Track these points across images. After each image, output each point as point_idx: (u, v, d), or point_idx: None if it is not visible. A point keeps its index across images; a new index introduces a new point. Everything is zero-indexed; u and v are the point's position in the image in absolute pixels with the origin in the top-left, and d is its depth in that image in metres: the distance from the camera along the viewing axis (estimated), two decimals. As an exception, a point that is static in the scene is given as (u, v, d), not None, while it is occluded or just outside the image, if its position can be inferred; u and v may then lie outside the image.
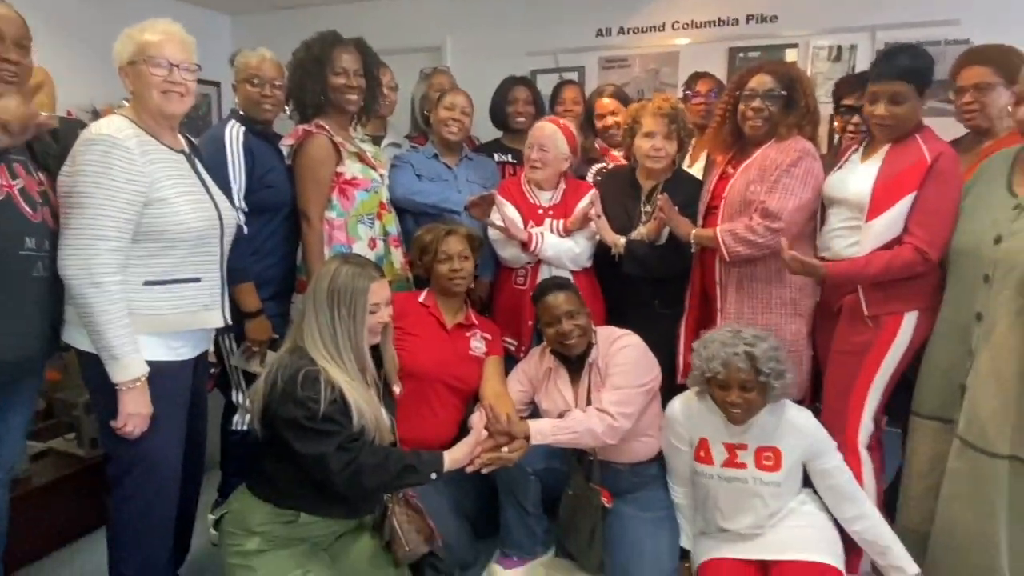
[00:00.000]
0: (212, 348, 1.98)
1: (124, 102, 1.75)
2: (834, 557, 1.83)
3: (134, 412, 1.59)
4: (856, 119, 2.35)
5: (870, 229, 1.88)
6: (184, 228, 1.64)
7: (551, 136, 2.40)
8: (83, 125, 3.24)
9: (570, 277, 2.38)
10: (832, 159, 2.24)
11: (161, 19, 1.67)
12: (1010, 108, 1.82)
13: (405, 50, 4.02)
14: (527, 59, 3.82)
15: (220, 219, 1.75)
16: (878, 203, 1.87)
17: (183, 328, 1.70)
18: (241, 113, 2.16)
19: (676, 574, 2.02)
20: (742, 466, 1.90)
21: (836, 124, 2.52)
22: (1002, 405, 1.67)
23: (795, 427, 1.87)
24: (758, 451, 1.89)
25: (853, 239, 1.94)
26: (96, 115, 3.39)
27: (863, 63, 3.22)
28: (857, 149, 2.04)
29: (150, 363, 1.62)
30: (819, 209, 2.09)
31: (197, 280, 1.70)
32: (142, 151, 1.59)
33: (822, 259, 2.01)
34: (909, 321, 1.89)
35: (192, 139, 1.87)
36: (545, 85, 3.68)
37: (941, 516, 1.81)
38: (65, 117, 3.11)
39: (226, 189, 1.94)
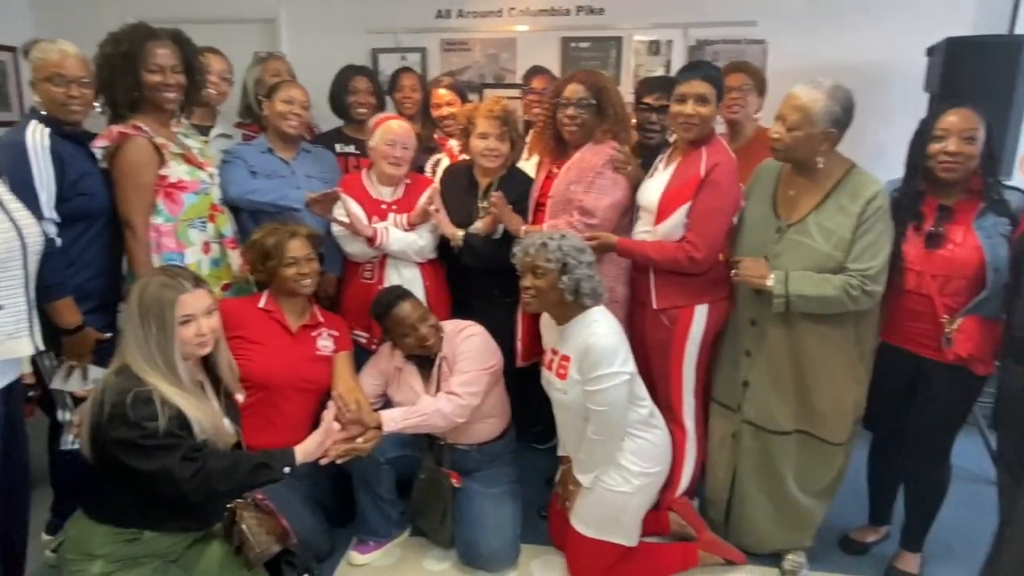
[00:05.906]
0: (31, 370, 1.86)
1: None
2: (608, 532, 2.00)
3: None
4: (654, 117, 2.46)
5: (655, 233, 2.13)
6: None
7: (410, 135, 2.47)
8: None
9: (418, 270, 2.48)
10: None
11: None
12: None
13: (235, 20, 3.79)
14: (367, 37, 3.73)
15: (22, 239, 1.63)
16: (663, 210, 2.10)
17: (-12, 360, 1.59)
18: (43, 113, 1.94)
19: (518, 541, 2.25)
20: (557, 374, 2.01)
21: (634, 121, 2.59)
22: (782, 392, 2.03)
23: (581, 337, 1.93)
24: (561, 357, 2.01)
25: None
26: None
27: (677, 57, 3.52)
28: (662, 158, 2.25)
29: (-46, 398, 1.50)
30: (633, 207, 2.31)
31: (-1, 308, 1.59)
32: None
33: None
34: (700, 313, 2.15)
35: None
36: (387, 64, 3.66)
37: (740, 487, 2.14)
38: None
39: (32, 200, 1.79)
